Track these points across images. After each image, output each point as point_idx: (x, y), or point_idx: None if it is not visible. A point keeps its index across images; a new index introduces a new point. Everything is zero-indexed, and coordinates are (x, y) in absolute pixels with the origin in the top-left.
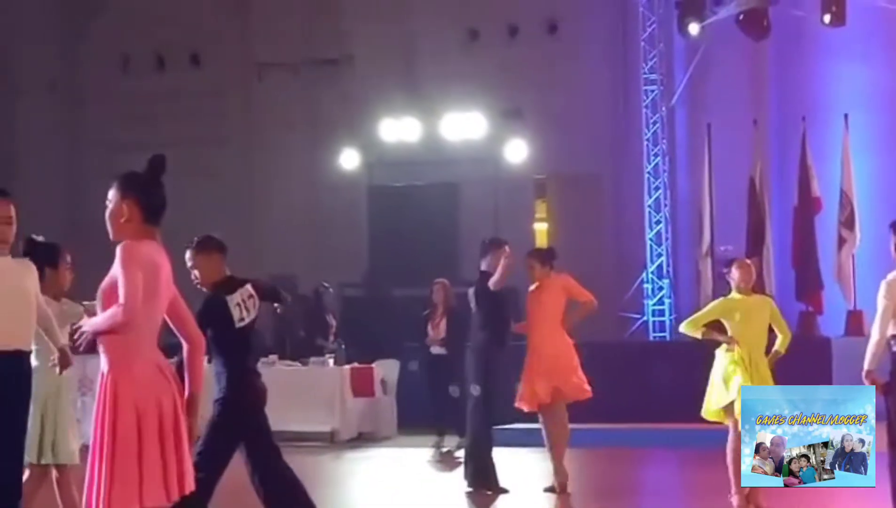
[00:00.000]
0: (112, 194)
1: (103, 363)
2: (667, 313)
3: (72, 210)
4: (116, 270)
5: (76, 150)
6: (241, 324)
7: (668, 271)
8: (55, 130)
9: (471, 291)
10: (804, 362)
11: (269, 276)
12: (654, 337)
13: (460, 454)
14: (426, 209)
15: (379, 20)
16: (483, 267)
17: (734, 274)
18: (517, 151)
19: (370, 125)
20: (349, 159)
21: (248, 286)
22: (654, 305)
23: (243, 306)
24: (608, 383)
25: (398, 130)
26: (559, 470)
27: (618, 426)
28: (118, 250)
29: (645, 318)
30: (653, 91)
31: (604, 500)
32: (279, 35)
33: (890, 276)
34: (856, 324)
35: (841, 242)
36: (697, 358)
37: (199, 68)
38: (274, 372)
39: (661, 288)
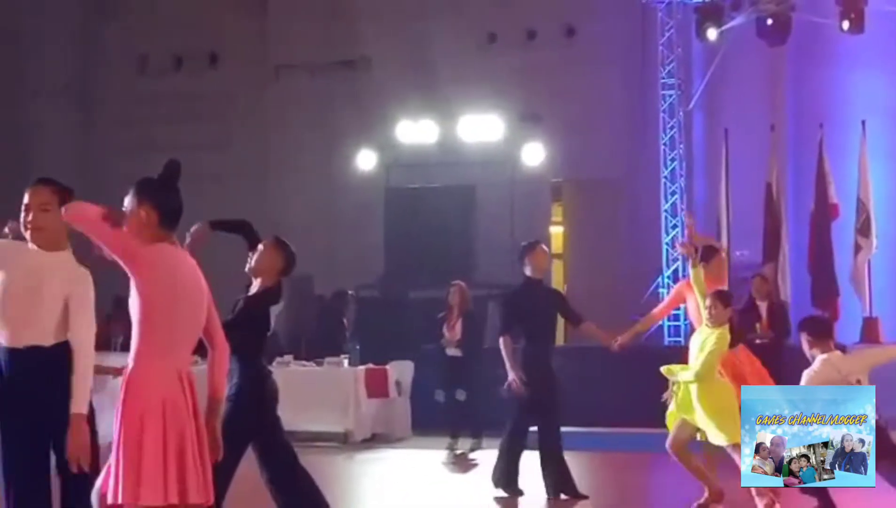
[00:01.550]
0: (128, 199)
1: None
2: (682, 317)
3: None
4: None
5: (92, 151)
6: (269, 333)
7: (683, 276)
8: (71, 132)
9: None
10: None
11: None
12: (669, 342)
13: (474, 455)
14: (442, 211)
15: (396, 22)
16: (528, 273)
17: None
18: (534, 155)
19: (387, 127)
20: (366, 161)
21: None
22: None
23: (274, 318)
24: (623, 387)
25: (415, 132)
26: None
27: (632, 430)
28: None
29: (660, 323)
30: (670, 96)
31: (623, 505)
32: (297, 37)
33: None
34: (872, 331)
35: (857, 248)
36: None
37: (217, 70)
38: (288, 372)
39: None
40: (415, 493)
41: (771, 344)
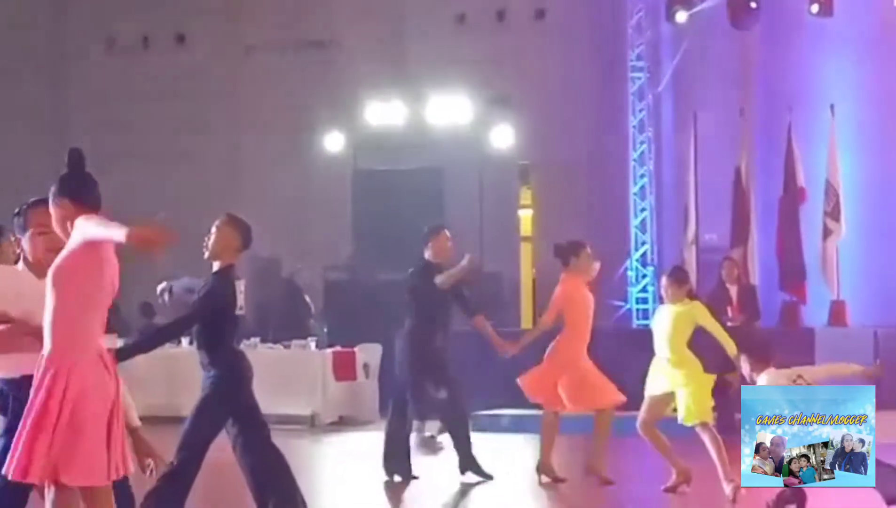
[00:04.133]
0: (50, 205)
1: (47, 349)
2: (650, 300)
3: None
4: (72, 243)
5: (63, 130)
6: (240, 312)
7: (652, 259)
8: (38, 111)
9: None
10: (787, 352)
11: (253, 258)
12: (638, 325)
13: (442, 438)
14: (411, 194)
15: (366, 3)
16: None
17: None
18: (503, 137)
19: (356, 108)
20: (334, 142)
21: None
22: (638, 292)
23: (241, 295)
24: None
25: (384, 113)
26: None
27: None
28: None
29: (629, 305)
30: (639, 79)
31: (589, 488)
32: (266, 16)
33: None
34: (839, 314)
35: (826, 232)
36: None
37: (185, 49)
38: (256, 355)
39: (644, 276)
40: (382, 476)
41: (741, 327)
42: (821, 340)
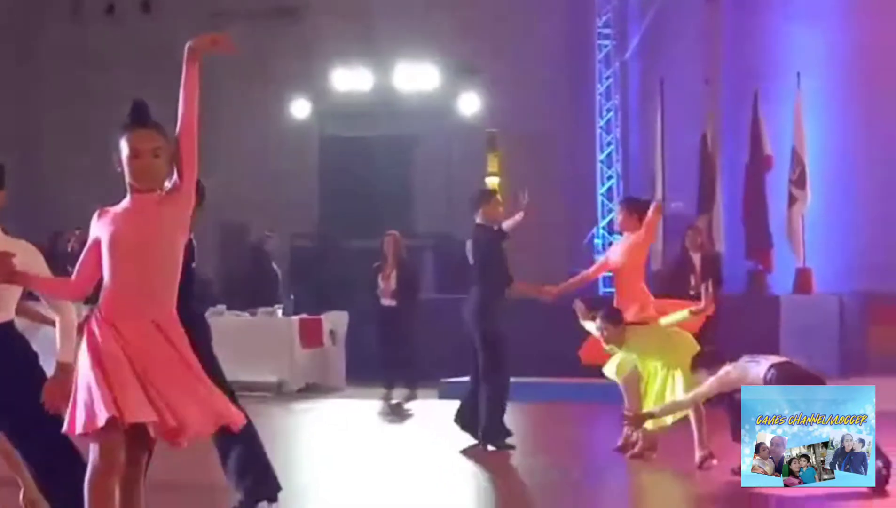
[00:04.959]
0: None
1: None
2: None
3: (21, 161)
4: None
5: (25, 99)
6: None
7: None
8: (3, 80)
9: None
10: (753, 319)
11: (220, 225)
12: (604, 292)
13: (409, 406)
14: (378, 160)
15: None
16: (478, 220)
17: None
18: (470, 104)
19: (323, 75)
20: (300, 109)
21: None
22: None
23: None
24: (557, 337)
25: (350, 79)
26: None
27: (567, 380)
28: None
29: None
30: (606, 46)
31: (549, 455)
32: None
33: None
34: (805, 282)
35: (791, 200)
36: None
37: (151, 16)
38: (222, 322)
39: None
40: (349, 443)
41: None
42: (786, 307)
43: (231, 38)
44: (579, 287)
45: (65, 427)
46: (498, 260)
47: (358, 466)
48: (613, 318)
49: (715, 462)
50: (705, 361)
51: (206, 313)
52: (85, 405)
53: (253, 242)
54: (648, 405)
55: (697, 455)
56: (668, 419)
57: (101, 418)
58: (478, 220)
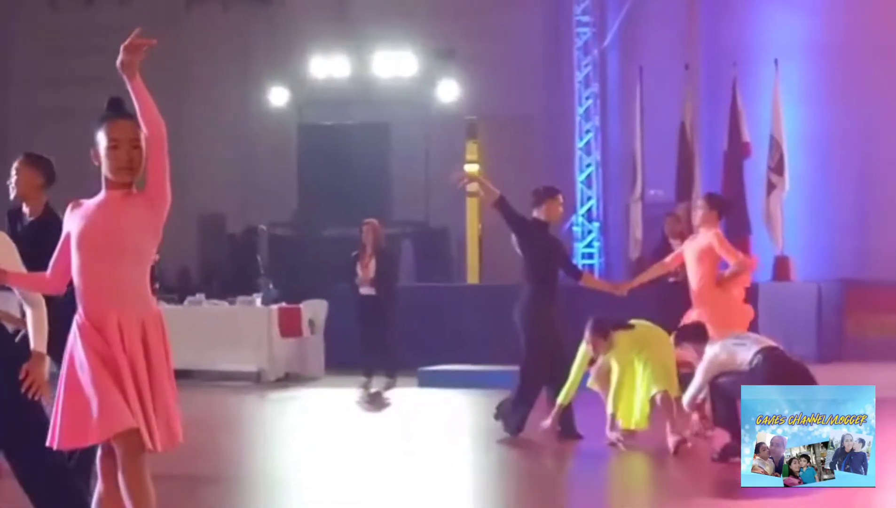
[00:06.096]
0: None
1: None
2: (596, 256)
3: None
4: None
5: (8, 86)
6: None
7: (597, 215)
8: None
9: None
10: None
11: (198, 214)
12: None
13: (388, 394)
14: (356, 149)
15: None
16: (536, 214)
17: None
18: (449, 92)
19: (300, 62)
20: (278, 97)
21: None
22: (584, 248)
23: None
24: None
25: (328, 67)
26: None
27: None
28: None
29: (574, 261)
30: (585, 33)
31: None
32: None
33: None
34: (783, 269)
35: (770, 187)
36: (629, 301)
37: (128, 3)
38: (201, 311)
39: (590, 231)
40: (328, 432)
41: (683, 283)
42: (765, 295)
43: (139, 32)
44: (651, 279)
45: (49, 441)
46: (557, 255)
47: (337, 455)
48: (601, 331)
49: (689, 445)
50: (690, 335)
51: (185, 303)
52: (71, 419)
53: (235, 232)
54: (623, 396)
55: (670, 441)
56: (644, 420)
57: (90, 438)
58: (535, 214)
